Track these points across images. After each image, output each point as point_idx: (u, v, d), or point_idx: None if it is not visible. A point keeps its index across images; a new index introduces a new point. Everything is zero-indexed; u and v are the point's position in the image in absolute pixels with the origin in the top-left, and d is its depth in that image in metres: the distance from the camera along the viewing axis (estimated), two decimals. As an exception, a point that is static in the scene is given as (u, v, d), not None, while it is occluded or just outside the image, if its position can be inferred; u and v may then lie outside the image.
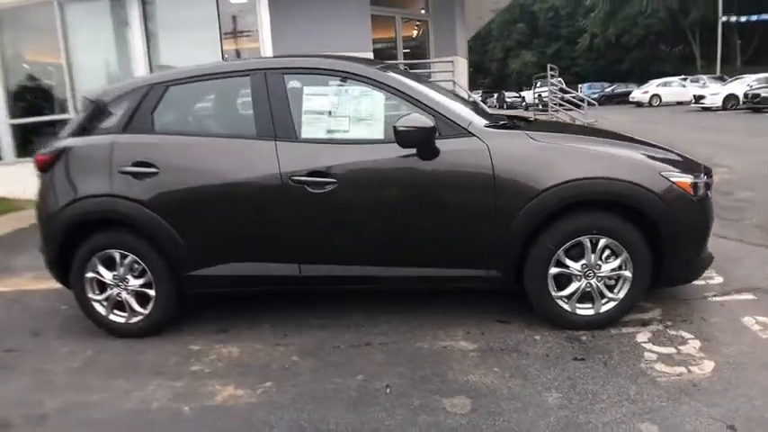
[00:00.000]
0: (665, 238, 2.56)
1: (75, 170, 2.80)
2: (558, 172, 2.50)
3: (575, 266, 2.62)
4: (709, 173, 2.79)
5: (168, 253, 2.73)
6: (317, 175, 2.56)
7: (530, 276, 2.64)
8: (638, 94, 27.48)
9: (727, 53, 33.59)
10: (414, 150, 2.52)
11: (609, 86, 34.10)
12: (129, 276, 2.83)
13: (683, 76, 28.80)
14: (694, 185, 2.60)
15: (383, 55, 9.15)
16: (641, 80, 34.68)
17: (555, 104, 13.66)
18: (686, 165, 2.75)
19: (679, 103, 25.52)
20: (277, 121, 2.64)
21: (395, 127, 2.41)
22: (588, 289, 2.65)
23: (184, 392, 2.34)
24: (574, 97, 13.22)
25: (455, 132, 2.57)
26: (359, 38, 8.10)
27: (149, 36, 7.25)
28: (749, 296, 3.01)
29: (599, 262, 2.62)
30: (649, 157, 2.69)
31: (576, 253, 2.62)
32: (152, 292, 2.82)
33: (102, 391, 2.39)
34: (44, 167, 2.88)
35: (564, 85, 14.32)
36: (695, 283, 2.98)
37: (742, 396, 2.10)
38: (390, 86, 2.64)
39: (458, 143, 2.55)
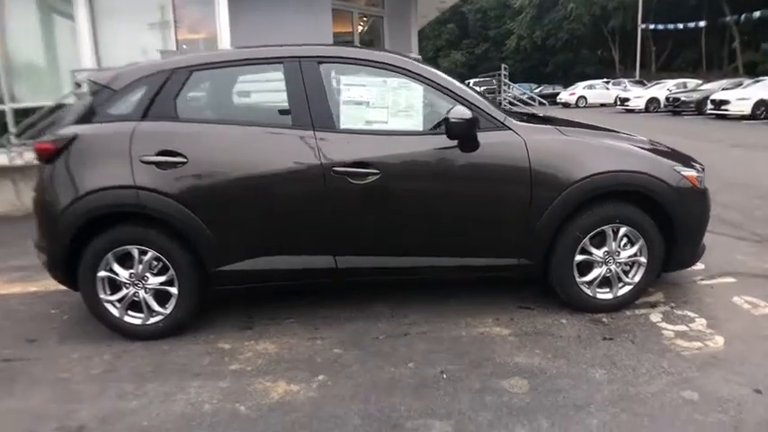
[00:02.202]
0: (677, 226, 2.86)
1: (88, 160, 2.63)
2: (588, 165, 2.73)
3: (597, 253, 2.87)
4: (702, 167, 3.14)
5: (196, 248, 2.65)
6: (360, 166, 2.60)
7: (557, 264, 2.84)
8: (566, 95, 29.37)
9: (643, 58, 36.65)
10: (454, 143, 2.63)
11: (536, 87, 36.05)
12: (147, 274, 2.70)
13: (605, 79, 31.11)
14: (699, 178, 2.93)
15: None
16: (564, 82, 37.10)
17: (506, 102, 14.34)
18: (686, 159, 3.08)
19: (602, 105, 27.61)
20: (314, 110, 2.64)
21: (447, 118, 2.52)
22: (608, 274, 2.90)
23: (233, 392, 2.29)
24: (527, 96, 13.96)
25: (492, 126, 2.72)
26: (320, 31, 8.09)
27: (96, 24, 6.78)
28: (731, 279, 3.42)
29: (618, 249, 2.88)
30: (660, 152, 2.99)
31: (599, 241, 2.86)
32: (174, 290, 2.71)
33: (139, 397, 2.29)
34: (48, 157, 2.67)
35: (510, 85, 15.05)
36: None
37: (757, 365, 2.42)
38: (430, 80, 2.73)
39: (496, 136, 2.70)
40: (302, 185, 2.63)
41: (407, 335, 2.77)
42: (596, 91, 28.56)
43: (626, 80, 29.66)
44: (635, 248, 2.89)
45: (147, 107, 2.66)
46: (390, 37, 10.05)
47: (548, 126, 2.87)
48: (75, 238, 2.63)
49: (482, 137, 2.66)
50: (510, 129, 2.73)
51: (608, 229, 2.83)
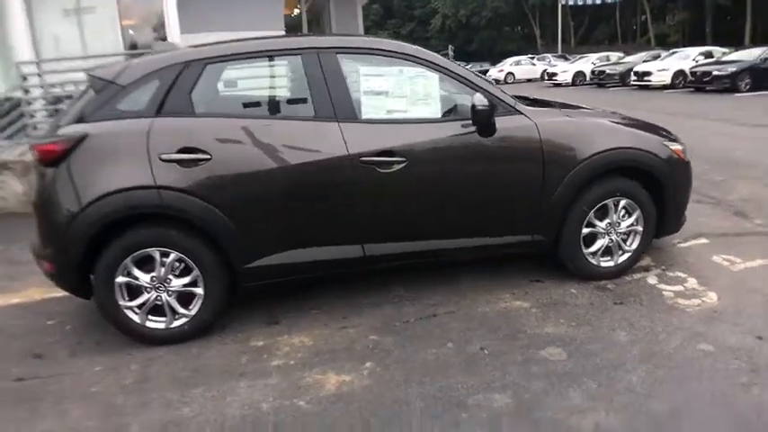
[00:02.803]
0: (667, 196, 3.14)
1: (102, 160, 2.47)
2: (594, 144, 2.92)
3: (600, 225, 3.09)
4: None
5: (223, 246, 2.58)
6: (386, 155, 2.64)
7: (566, 238, 3.04)
8: (495, 72, 30.27)
9: (563, 33, 38.43)
10: (473, 128, 2.73)
11: (465, 65, 36.79)
12: (170, 276, 2.61)
13: (530, 55, 32.36)
14: (684, 151, 3.21)
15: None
16: (490, 59, 38.19)
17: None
18: (669, 134, 3.36)
19: (529, 80, 28.75)
20: (336, 101, 2.63)
21: (474, 105, 2.60)
22: (610, 244, 3.14)
23: (286, 388, 2.29)
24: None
25: (505, 111, 2.83)
26: (271, 14, 7.87)
27: (32, 15, 6.19)
28: (704, 240, 3.79)
29: (619, 220, 3.11)
30: (650, 128, 3.24)
31: (601, 214, 3.08)
32: (199, 291, 2.64)
33: (188, 404, 2.22)
34: (52, 159, 2.48)
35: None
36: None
37: (751, 315, 2.74)
38: (445, 68, 2.80)
39: (510, 120, 2.82)
40: (330, 176, 2.63)
41: (436, 315, 2.87)
42: (523, 67, 29.65)
43: (550, 55, 31.03)
44: (632, 218, 3.14)
45: (161, 102, 2.53)
46: (337, 19, 9.93)
47: (553, 109, 3.03)
48: (91, 244, 2.49)
49: (497, 122, 2.77)
50: (521, 113, 2.86)
51: (610, 202, 3.05)
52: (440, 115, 2.79)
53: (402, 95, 2.73)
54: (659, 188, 3.11)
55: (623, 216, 3.13)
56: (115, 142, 2.51)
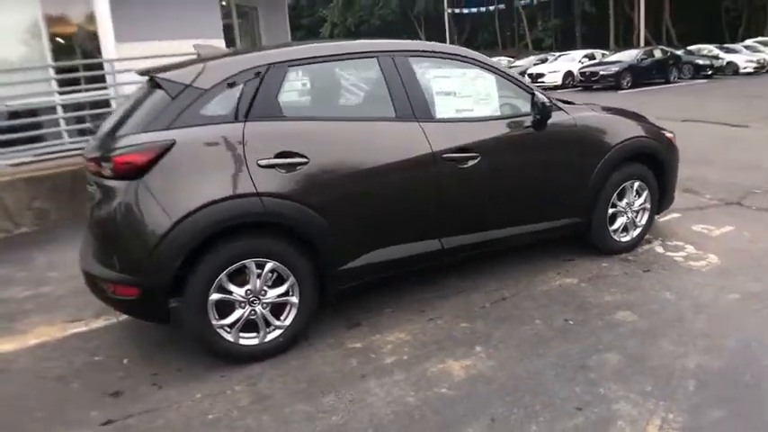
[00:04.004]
0: (667, 177, 3.73)
1: (195, 169, 2.41)
2: (618, 134, 3.44)
3: (620, 205, 3.59)
4: None
5: (319, 250, 2.63)
6: (463, 151, 2.88)
7: (597, 218, 3.49)
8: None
9: (447, 41, 40.85)
10: (530, 124, 3.07)
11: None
12: (265, 288, 2.60)
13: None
14: (674, 138, 3.83)
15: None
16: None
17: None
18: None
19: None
20: (414, 102, 2.82)
21: (540, 103, 2.94)
22: (626, 222, 3.65)
23: (418, 380, 2.41)
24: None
25: (550, 108, 3.22)
26: (209, 23, 7.69)
27: None
28: (676, 214, 4.48)
29: (633, 200, 3.63)
30: (646, 119, 3.81)
31: (619, 195, 3.58)
32: (294, 299, 2.66)
33: (329, 413, 2.24)
34: (135, 170, 2.36)
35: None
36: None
37: (750, 268, 3.37)
38: (499, 70, 3.11)
39: (554, 116, 3.19)
40: (417, 174, 2.80)
41: (505, 299, 3.15)
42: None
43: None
44: (643, 197, 3.68)
45: (249, 106, 2.53)
46: (266, 29, 9.89)
47: (580, 105, 3.47)
48: (186, 260, 2.41)
49: (544, 117, 3.14)
50: (561, 109, 3.26)
51: (627, 184, 3.56)
52: (499, 113, 3.10)
53: (467, 95, 3.00)
54: (661, 170, 3.68)
55: (636, 196, 3.65)
56: (208, 149, 2.46)
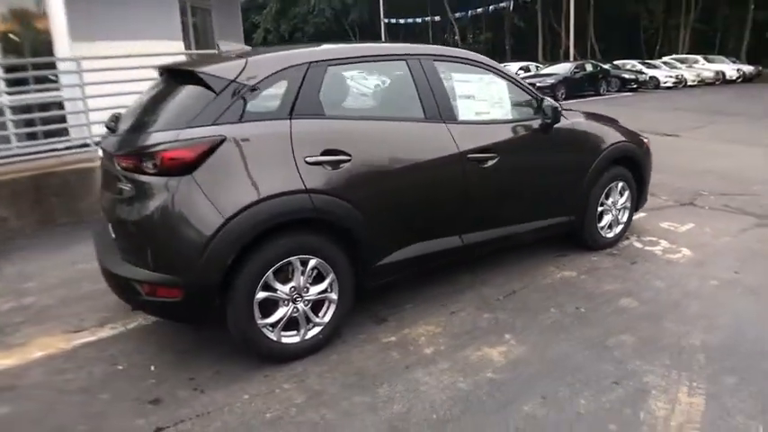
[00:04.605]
0: (644, 178, 4.16)
1: (245, 165, 2.44)
2: (607, 138, 3.81)
3: (608, 204, 3.97)
4: None
5: (359, 246, 2.74)
6: (485, 151, 3.11)
7: (589, 216, 3.84)
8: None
9: (384, 50, 41.52)
10: (538, 126, 3.36)
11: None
12: (307, 285, 2.68)
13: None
14: (648, 143, 4.28)
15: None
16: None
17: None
18: (630, 129, 4.41)
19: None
20: (440, 104, 3.01)
21: (552, 107, 3.25)
22: (611, 219, 4.03)
23: (463, 367, 2.58)
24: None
25: (552, 112, 3.53)
26: (167, 23, 7.54)
27: None
28: (643, 214, 4.93)
29: (617, 199, 4.02)
30: (625, 126, 4.23)
31: (606, 195, 3.95)
32: (333, 296, 2.75)
33: (389, 401, 2.36)
34: (183, 167, 2.36)
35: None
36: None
37: (720, 259, 3.84)
38: (509, 76, 3.39)
39: (556, 120, 3.51)
40: (446, 173, 2.99)
41: (515, 292, 3.40)
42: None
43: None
44: (625, 197, 4.08)
45: (293, 103, 2.59)
46: (220, 30, 9.76)
47: (574, 111, 3.82)
48: (236, 259, 2.43)
49: (549, 121, 3.45)
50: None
51: (613, 184, 3.94)
52: (511, 116, 3.37)
53: (483, 99, 3.24)
54: (639, 172, 4.10)
55: (619, 195, 4.04)
56: (258, 145, 2.50)
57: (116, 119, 2.95)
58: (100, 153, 2.98)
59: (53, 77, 6.18)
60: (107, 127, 2.99)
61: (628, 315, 3.05)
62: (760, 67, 26.69)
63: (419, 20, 39.47)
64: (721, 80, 24.06)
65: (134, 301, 2.64)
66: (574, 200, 3.70)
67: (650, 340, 2.78)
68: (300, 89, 2.63)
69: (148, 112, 2.73)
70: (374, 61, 3.03)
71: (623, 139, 3.92)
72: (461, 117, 3.12)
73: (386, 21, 37.96)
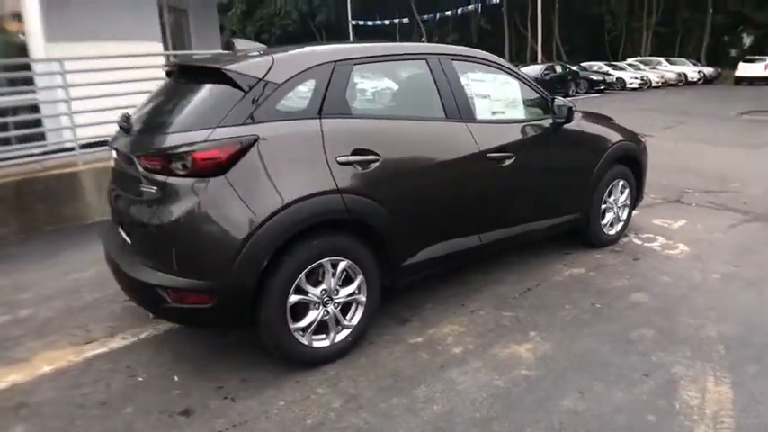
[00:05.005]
0: (642, 177, 4.31)
1: (279, 165, 2.41)
2: (610, 138, 3.93)
3: (610, 201, 4.10)
4: None
5: (388, 247, 2.75)
6: (502, 151, 3.18)
7: (593, 213, 3.96)
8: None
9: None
10: (549, 126, 3.45)
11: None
12: (338, 287, 2.67)
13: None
14: (646, 142, 4.44)
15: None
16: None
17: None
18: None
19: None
20: (460, 103, 3.05)
21: (569, 107, 3.33)
22: (613, 217, 4.17)
23: (497, 365, 2.63)
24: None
25: (557, 112, 3.63)
26: (147, 23, 7.39)
27: None
28: (636, 212, 5.10)
29: (618, 197, 4.16)
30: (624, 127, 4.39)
31: (609, 193, 4.08)
32: (362, 298, 2.75)
33: (428, 401, 2.39)
34: (214, 167, 2.31)
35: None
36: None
37: (716, 254, 4.02)
38: (521, 76, 3.46)
39: (563, 120, 3.61)
40: (467, 172, 3.04)
41: (530, 289, 3.48)
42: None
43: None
44: (625, 195, 4.22)
45: (321, 103, 2.59)
46: (197, 32, 9.61)
47: (579, 113, 3.93)
48: (270, 262, 2.40)
49: (557, 120, 3.56)
50: (567, 114, 3.69)
51: (615, 183, 4.08)
52: (524, 116, 3.45)
53: (498, 99, 3.31)
54: (639, 170, 4.25)
55: (620, 194, 4.19)
56: (290, 145, 2.48)
57: (128, 118, 2.87)
58: (114, 154, 2.90)
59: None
60: (120, 127, 2.90)
61: (642, 309, 3.17)
62: (719, 69, 27.95)
63: (387, 22, 39.65)
64: (684, 81, 25.07)
65: (158, 308, 2.56)
66: (581, 198, 3.81)
67: (669, 333, 2.90)
68: (328, 88, 2.62)
69: (168, 110, 2.68)
70: (396, 60, 3.05)
71: (624, 138, 4.06)
72: (479, 117, 3.18)
73: (353, 22, 37.99)
